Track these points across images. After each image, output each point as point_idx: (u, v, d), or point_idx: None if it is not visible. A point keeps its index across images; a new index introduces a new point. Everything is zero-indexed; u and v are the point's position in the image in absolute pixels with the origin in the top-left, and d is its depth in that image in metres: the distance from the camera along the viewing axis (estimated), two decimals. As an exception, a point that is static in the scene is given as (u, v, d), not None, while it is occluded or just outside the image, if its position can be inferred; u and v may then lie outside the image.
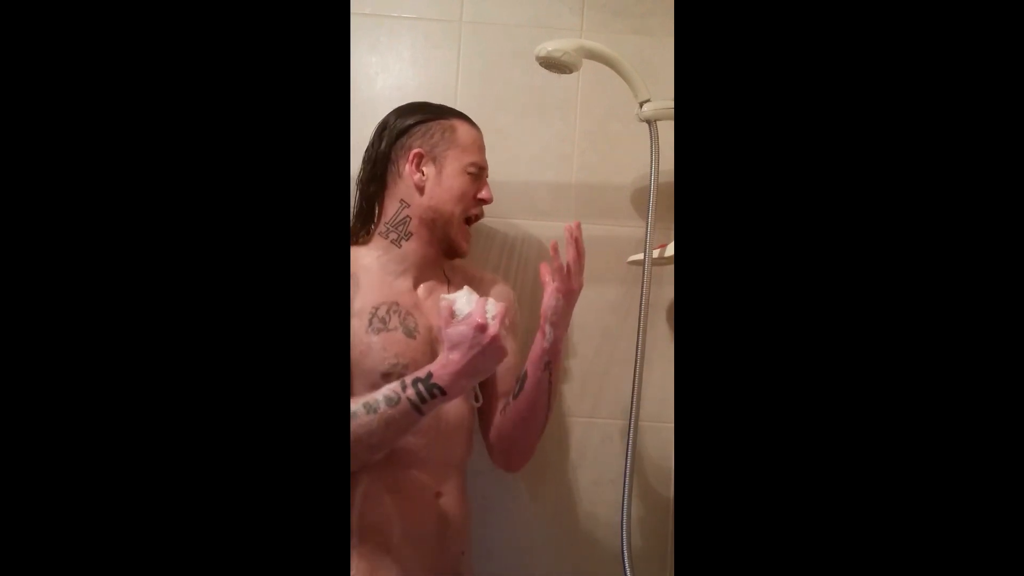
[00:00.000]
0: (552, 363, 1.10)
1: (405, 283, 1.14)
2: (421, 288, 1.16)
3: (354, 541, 1.04)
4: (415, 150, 1.14)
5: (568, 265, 1.06)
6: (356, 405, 0.96)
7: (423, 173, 1.14)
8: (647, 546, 1.35)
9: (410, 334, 1.08)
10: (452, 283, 1.20)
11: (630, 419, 1.17)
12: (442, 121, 1.16)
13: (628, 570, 1.12)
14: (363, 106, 1.34)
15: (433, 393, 0.96)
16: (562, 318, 1.08)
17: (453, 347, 0.96)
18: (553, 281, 1.07)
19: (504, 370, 1.19)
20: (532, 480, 1.35)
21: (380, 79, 1.37)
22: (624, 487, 1.16)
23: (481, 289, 1.22)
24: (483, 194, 1.17)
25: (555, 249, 1.06)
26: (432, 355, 1.09)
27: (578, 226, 1.07)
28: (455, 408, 1.12)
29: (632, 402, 1.17)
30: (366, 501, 1.05)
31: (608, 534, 1.32)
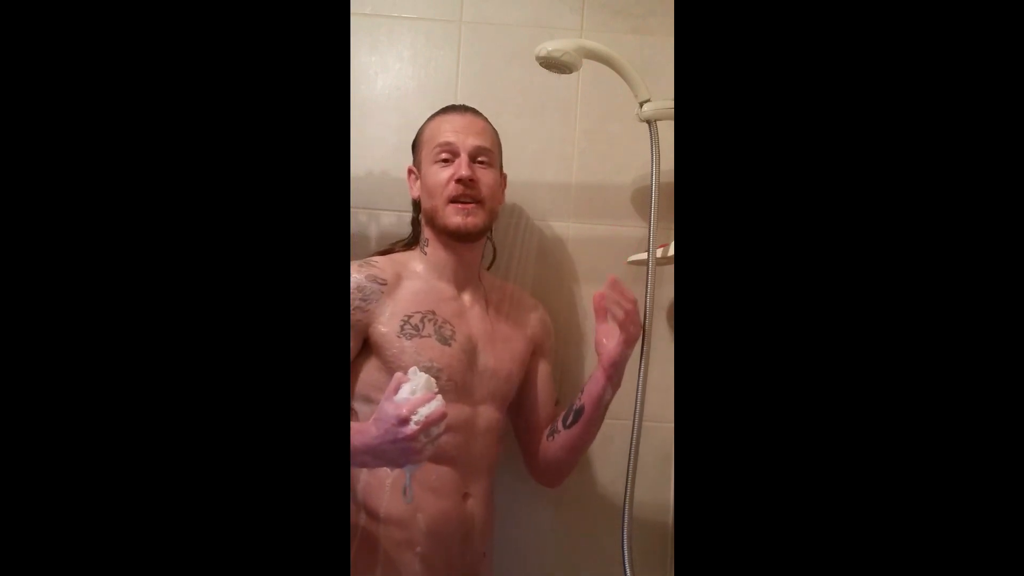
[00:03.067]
0: (610, 401, 1.14)
1: (448, 290, 1.17)
2: (465, 295, 1.18)
3: (378, 531, 1.06)
4: (408, 168, 1.22)
5: (628, 314, 1.08)
6: None
7: (416, 186, 1.20)
8: (647, 546, 1.35)
9: (445, 341, 1.10)
10: (489, 299, 1.21)
11: (632, 419, 1.17)
12: (419, 130, 1.21)
13: (628, 570, 1.12)
14: (363, 106, 1.35)
15: None
16: (625, 361, 1.12)
17: (376, 420, 0.93)
18: (622, 333, 1.09)
19: (545, 396, 1.23)
20: (531, 480, 1.35)
21: (380, 79, 1.37)
22: (624, 487, 1.16)
23: (516, 311, 1.23)
24: (460, 173, 1.12)
25: (623, 308, 1.07)
26: (468, 363, 1.12)
27: (614, 281, 1.08)
28: (488, 411, 1.15)
29: (633, 402, 1.17)
30: (393, 493, 1.06)
31: (608, 534, 1.32)
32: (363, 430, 0.93)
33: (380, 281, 1.11)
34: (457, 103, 1.23)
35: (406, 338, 1.08)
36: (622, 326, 1.08)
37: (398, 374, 0.94)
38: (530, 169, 1.36)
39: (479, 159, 1.15)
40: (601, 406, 1.13)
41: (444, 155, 1.14)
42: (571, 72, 1.19)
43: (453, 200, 1.13)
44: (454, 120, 1.17)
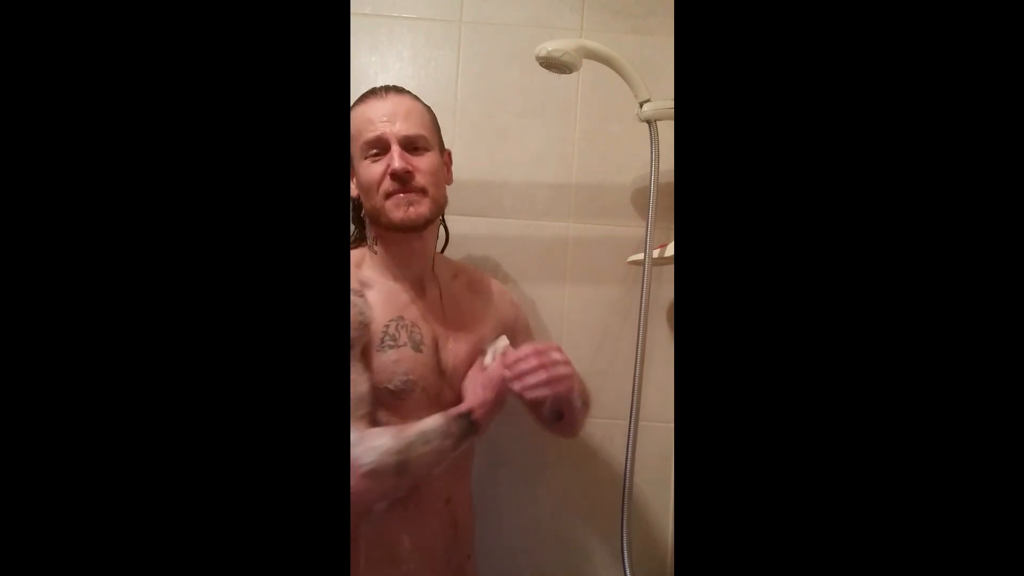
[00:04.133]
0: (568, 407, 1.09)
1: (405, 290, 1.10)
2: (421, 294, 1.12)
3: (364, 555, 1.03)
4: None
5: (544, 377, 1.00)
6: (409, 435, 0.95)
7: (353, 184, 1.11)
8: (647, 546, 1.35)
9: (416, 348, 1.05)
10: (441, 286, 1.15)
11: (630, 419, 1.17)
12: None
13: (628, 570, 1.12)
14: (363, 106, 1.35)
15: (470, 431, 0.99)
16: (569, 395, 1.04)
17: (486, 388, 1.02)
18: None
19: None
20: (532, 480, 1.35)
21: (380, 79, 1.37)
22: (624, 487, 1.16)
23: (475, 300, 1.19)
24: (394, 167, 1.03)
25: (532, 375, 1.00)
26: (437, 368, 1.07)
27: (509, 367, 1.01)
28: None
29: (632, 402, 1.17)
30: (375, 512, 1.03)
31: (608, 534, 1.32)
32: (483, 402, 1.02)
33: (357, 292, 1.05)
34: (380, 85, 1.11)
35: (385, 350, 1.03)
36: (542, 387, 0.98)
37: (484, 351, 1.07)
38: (530, 169, 1.36)
39: (413, 146, 1.06)
40: (574, 410, 1.10)
41: (374, 150, 1.05)
42: (571, 72, 1.19)
43: (391, 195, 1.04)
44: (378, 108, 1.06)
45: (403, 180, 1.04)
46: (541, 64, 1.17)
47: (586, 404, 1.16)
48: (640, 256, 1.24)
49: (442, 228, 1.23)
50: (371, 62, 1.37)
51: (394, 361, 1.02)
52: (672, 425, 1.33)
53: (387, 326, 1.04)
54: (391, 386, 1.02)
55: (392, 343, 1.03)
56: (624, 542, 1.13)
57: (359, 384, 0.99)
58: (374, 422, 1.01)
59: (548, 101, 1.37)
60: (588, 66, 1.19)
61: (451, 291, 1.17)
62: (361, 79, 1.36)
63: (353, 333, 1.00)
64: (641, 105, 1.21)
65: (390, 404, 1.02)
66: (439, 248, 1.24)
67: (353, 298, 1.03)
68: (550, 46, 1.15)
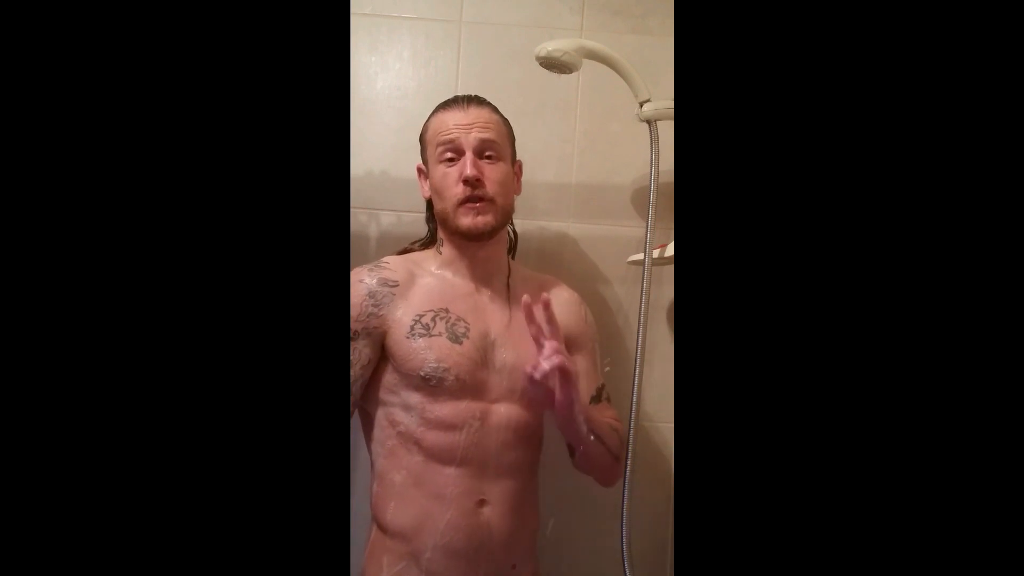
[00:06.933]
0: (584, 427, 1.04)
1: (465, 285, 1.13)
2: (485, 290, 1.14)
3: (385, 545, 1.06)
4: (417, 167, 1.19)
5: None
6: None
7: (426, 185, 1.17)
8: (647, 546, 1.35)
9: (456, 339, 1.07)
10: (512, 293, 1.15)
11: (630, 419, 1.17)
12: (424, 126, 1.16)
13: (628, 570, 1.12)
14: (363, 106, 1.35)
15: None
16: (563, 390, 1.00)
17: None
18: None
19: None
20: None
21: (380, 79, 1.37)
22: (624, 487, 1.16)
23: (537, 290, 1.16)
24: (466, 173, 1.07)
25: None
26: (482, 360, 1.08)
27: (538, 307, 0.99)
28: (507, 409, 1.10)
29: (632, 402, 1.17)
30: (399, 502, 1.05)
31: (608, 534, 1.32)
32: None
33: (391, 283, 1.09)
34: (462, 94, 1.16)
35: (415, 338, 1.05)
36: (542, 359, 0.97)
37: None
38: (530, 169, 1.36)
39: (486, 154, 1.10)
40: (584, 440, 1.05)
41: (449, 154, 1.10)
42: (571, 72, 1.19)
43: (462, 202, 1.08)
44: (456, 115, 1.11)
45: (474, 186, 1.08)
46: (541, 64, 1.17)
47: (613, 453, 1.13)
48: (640, 256, 1.24)
49: (509, 230, 1.25)
50: (371, 62, 1.37)
51: (424, 348, 1.05)
52: (672, 425, 1.33)
53: (421, 315, 1.08)
54: (422, 372, 1.05)
55: (424, 332, 1.06)
56: (624, 542, 1.13)
57: (354, 368, 1.06)
58: (405, 407, 1.06)
59: (548, 101, 1.37)
60: (588, 66, 1.19)
61: (521, 294, 1.16)
62: (361, 79, 1.36)
63: (365, 323, 1.06)
64: (641, 105, 1.21)
65: (423, 389, 1.05)
66: (508, 249, 1.23)
67: (381, 289, 1.08)
68: (550, 46, 1.15)
